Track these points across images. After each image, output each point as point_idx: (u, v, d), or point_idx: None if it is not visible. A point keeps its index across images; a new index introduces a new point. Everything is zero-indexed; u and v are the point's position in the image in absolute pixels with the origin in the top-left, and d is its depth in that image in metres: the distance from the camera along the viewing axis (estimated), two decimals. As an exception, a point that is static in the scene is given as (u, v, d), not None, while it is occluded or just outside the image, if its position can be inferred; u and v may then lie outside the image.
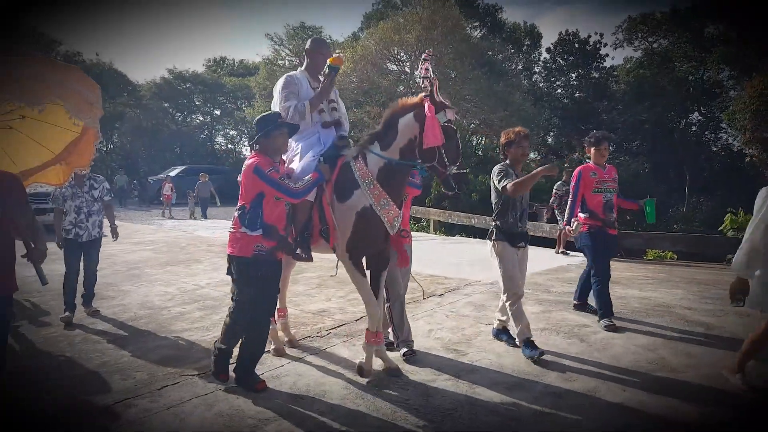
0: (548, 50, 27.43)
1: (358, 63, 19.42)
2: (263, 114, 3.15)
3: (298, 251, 3.27)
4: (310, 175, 3.10)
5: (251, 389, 3.04)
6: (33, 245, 2.67)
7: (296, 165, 3.33)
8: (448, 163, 3.02)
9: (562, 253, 8.54)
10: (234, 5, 66.62)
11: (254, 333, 3.12)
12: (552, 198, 8.76)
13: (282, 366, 3.49)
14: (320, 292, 5.78)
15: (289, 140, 3.32)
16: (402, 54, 20.69)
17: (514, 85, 23.00)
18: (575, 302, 4.91)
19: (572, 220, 4.41)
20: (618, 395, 3.00)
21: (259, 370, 3.27)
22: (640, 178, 22.02)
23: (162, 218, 15.62)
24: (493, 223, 3.77)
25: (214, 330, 4.29)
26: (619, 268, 6.66)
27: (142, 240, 10.28)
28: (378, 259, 3.33)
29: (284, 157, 3.38)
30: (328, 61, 3.37)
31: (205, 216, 15.78)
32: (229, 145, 34.24)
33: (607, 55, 26.12)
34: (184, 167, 22.82)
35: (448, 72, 19.17)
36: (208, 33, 66.89)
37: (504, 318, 3.93)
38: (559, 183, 8.74)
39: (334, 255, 3.31)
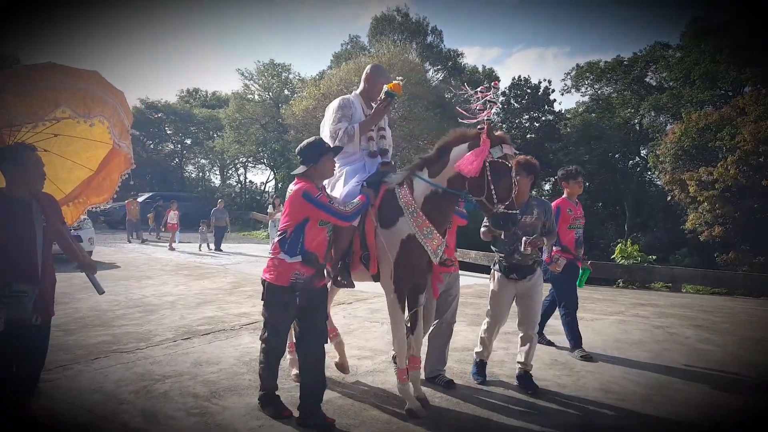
0: (503, 93, 29.45)
1: (320, 101, 20.81)
2: (310, 141, 3.07)
3: (339, 278, 3.24)
4: (357, 198, 3.06)
5: (322, 428, 2.89)
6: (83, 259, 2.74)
7: (339, 190, 3.31)
8: (496, 201, 2.93)
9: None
10: (209, 39, 68.44)
11: (310, 367, 2.99)
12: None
13: (193, 346, 4.50)
14: (248, 301, 6.77)
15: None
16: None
17: (470, 126, 24.74)
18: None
19: (555, 256, 4.42)
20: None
21: (173, 349, 4.26)
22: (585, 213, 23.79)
23: (136, 242, 14.92)
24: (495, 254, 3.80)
25: (146, 325, 5.27)
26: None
27: (100, 259, 11.05)
28: (416, 289, 3.28)
29: (325, 183, 3.27)
30: (386, 87, 3.31)
31: (219, 248, 13.79)
32: (200, 174, 35.14)
33: (555, 100, 28.17)
34: (150, 194, 23.48)
35: (404, 112, 20.75)
36: (181, 65, 68.31)
37: (523, 361, 3.72)
38: None
39: (373, 282, 3.30)
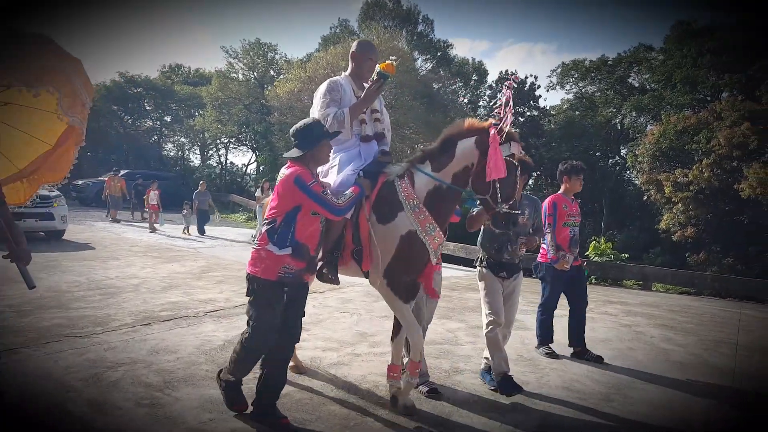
0: (490, 87, 29.43)
1: (305, 83, 20.47)
2: (306, 123, 2.84)
3: (324, 271, 3.01)
4: (350, 190, 2.85)
5: (275, 426, 2.74)
6: (17, 245, 2.42)
7: (332, 178, 3.09)
8: (500, 200, 2.83)
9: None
10: (195, 13, 66.69)
11: (276, 362, 2.82)
12: None
13: (152, 333, 4.36)
14: (216, 287, 6.62)
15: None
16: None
17: (457, 117, 24.74)
18: (575, 349, 4.50)
19: (560, 253, 4.31)
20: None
21: (131, 335, 4.11)
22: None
23: (115, 223, 14.13)
24: (480, 251, 3.70)
25: (106, 308, 5.09)
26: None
27: (68, 238, 10.73)
28: (412, 286, 3.08)
29: (319, 170, 3.08)
30: (379, 67, 3.07)
31: (202, 231, 13.52)
32: (179, 152, 34.41)
33: (540, 96, 28.28)
34: (126, 171, 22.90)
35: (390, 99, 20.56)
36: (165, 39, 66.48)
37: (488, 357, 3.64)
38: None
39: (364, 278, 3.10)
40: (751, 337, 5.95)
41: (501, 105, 2.92)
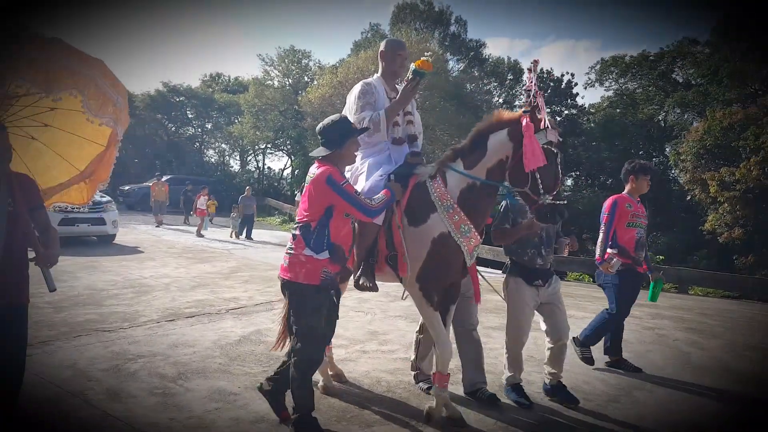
0: (522, 85, 28.90)
1: (336, 89, 20.83)
2: (334, 120, 2.74)
3: (362, 281, 2.90)
4: (382, 193, 2.74)
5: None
6: (45, 249, 2.43)
7: (361, 185, 2.99)
8: (542, 191, 2.67)
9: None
10: (231, 24, 68.90)
11: (302, 369, 2.67)
12: None
13: (174, 328, 4.61)
14: (242, 286, 6.88)
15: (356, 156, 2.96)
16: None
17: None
18: (610, 359, 4.26)
19: (609, 257, 4.03)
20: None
21: (155, 330, 4.37)
22: (600, 210, 23.45)
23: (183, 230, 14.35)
24: (507, 257, 3.43)
25: (136, 305, 5.41)
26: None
27: (115, 241, 11.33)
28: (449, 292, 2.96)
29: (347, 175, 2.99)
30: (414, 65, 2.96)
31: (250, 236, 13.74)
32: (220, 158, 35.63)
33: (577, 93, 27.62)
34: (167, 177, 23.82)
35: (420, 101, 20.63)
36: (203, 49, 69.01)
37: (555, 370, 3.42)
38: None
39: (401, 284, 2.97)
40: (785, 342, 5.67)
41: (526, 90, 2.82)
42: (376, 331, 4.96)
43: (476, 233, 2.82)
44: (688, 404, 3.58)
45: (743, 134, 16.54)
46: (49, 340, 4.08)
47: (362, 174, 3.05)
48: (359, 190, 2.90)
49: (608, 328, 4.16)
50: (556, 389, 3.42)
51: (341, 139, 2.67)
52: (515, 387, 3.39)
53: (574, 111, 27.71)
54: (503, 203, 3.31)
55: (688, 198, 18.23)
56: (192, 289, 6.52)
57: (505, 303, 3.51)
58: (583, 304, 6.90)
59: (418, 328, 3.49)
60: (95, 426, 2.76)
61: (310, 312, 2.61)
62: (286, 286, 2.66)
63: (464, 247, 2.78)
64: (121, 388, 3.24)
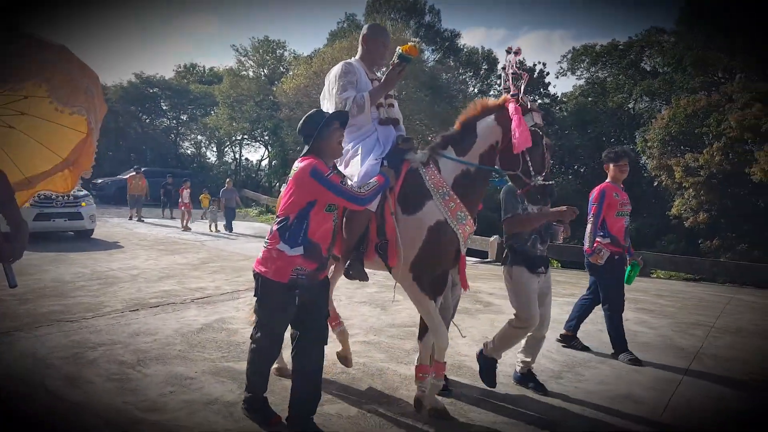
0: (498, 76, 29.12)
1: (311, 79, 20.75)
2: (309, 115, 2.69)
3: (351, 272, 2.86)
4: (374, 179, 2.69)
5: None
6: (8, 242, 2.32)
7: (355, 168, 2.91)
8: (533, 173, 2.74)
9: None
10: (205, 14, 67.66)
11: (304, 373, 2.64)
12: None
13: (137, 318, 4.69)
14: (210, 276, 6.95)
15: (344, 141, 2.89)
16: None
17: (465, 106, 24.66)
18: (564, 332, 4.45)
19: (599, 247, 4.10)
20: None
21: (117, 319, 4.43)
22: (574, 197, 23.95)
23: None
24: (506, 246, 3.39)
25: (101, 296, 5.45)
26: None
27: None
28: (438, 281, 2.94)
29: (339, 160, 2.94)
30: (400, 49, 2.89)
31: (230, 229, 13.55)
32: (196, 150, 35.19)
33: (549, 83, 27.96)
34: (145, 169, 23.50)
35: (394, 91, 20.68)
36: (177, 39, 67.57)
37: (528, 359, 3.46)
38: None
39: (388, 273, 2.92)
40: (730, 320, 5.98)
41: (509, 74, 2.87)
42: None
43: (471, 220, 2.83)
44: (627, 378, 3.80)
45: (706, 121, 17.05)
46: (11, 330, 4.12)
47: (356, 157, 2.96)
48: (353, 174, 2.85)
49: (619, 323, 4.23)
50: (527, 377, 3.47)
51: (319, 130, 2.59)
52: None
53: (546, 100, 28.06)
54: (503, 190, 3.30)
55: (656, 184, 18.73)
56: (159, 280, 6.56)
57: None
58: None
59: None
60: (49, 410, 2.84)
61: (272, 309, 2.61)
62: (256, 279, 2.63)
63: (460, 235, 2.78)
64: (80, 374, 3.32)
